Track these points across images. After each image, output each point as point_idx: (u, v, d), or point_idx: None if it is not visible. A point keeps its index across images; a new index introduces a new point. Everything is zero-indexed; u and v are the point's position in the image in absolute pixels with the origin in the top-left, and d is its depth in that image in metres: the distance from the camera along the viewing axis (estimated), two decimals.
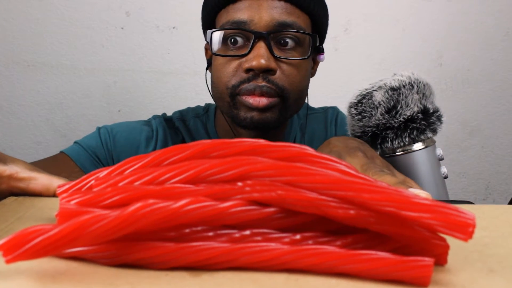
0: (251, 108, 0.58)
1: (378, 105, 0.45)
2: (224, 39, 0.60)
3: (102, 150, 0.66)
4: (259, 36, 0.57)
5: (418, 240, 0.21)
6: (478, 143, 1.31)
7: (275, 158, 0.23)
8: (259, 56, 0.56)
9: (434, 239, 0.21)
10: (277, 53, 0.58)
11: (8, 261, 0.20)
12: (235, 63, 0.59)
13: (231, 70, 0.59)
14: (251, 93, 0.58)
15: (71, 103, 1.10)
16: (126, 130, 0.69)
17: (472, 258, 0.23)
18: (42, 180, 0.36)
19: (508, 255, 0.24)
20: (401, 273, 0.20)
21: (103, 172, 0.26)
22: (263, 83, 0.57)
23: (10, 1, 1.07)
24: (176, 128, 0.71)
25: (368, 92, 0.46)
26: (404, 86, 0.45)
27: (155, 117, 0.72)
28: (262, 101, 0.58)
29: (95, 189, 0.25)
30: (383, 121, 0.45)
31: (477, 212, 0.30)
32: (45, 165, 0.60)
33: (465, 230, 0.19)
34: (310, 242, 0.22)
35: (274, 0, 0.58)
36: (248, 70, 0.58)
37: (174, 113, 0.74)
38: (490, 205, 0.32)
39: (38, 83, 1.08)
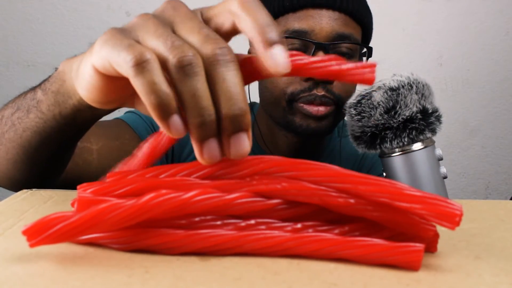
0: (308, 116, 0.60)
1: (377, 105, 0.45)
2: None
3: None
4: (319, 46, 0.58)
5: (411, 225, 0.22)
6: (478, 143, 1.31)
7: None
8: None
9: (425, 224, 0.22)
10: None
11: (32, 245, 0.22)
12: None
13: (288, 77, 0.59)
14: (311, 103, 0.59)
15: None
16: None
17: (460, 246, 0.25)
18: None
19: (493, 244, 0.26)
20: (394, 257, 0.21)
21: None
22: (323, 93, 0.58)
23: (10, 1, 1.07)
24: None
25: (367, 93, 0.47)
26: (403, 87, 0.45)
27: None
28: (320, 110, 0.59)
29: (108, 179, 0.26)
30: (382, 121, 0.45)
31: (467, 206, 0.32)
32: (104, 125, 0.60)
33: (453, 219, 0.21)
34: (310, 230, 0.24)
35: (334, 11, 0.59)
36: (307, 79, 0.59)
37: None
38: (478, 200, 0.34)
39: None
